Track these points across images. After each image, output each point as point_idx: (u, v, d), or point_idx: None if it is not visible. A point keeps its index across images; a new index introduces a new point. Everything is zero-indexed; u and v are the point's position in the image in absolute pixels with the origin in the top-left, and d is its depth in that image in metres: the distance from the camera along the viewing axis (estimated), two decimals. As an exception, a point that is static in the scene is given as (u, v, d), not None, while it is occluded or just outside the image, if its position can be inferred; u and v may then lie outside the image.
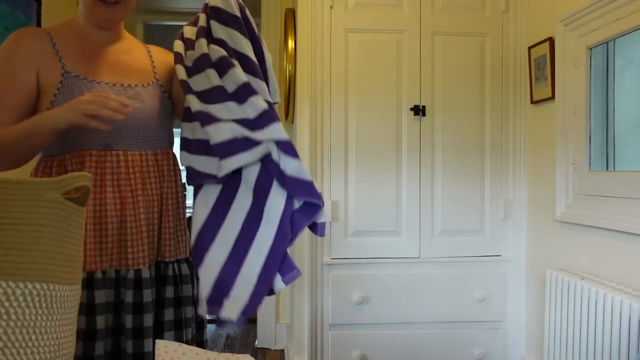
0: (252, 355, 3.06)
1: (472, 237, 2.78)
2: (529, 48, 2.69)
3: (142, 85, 1.46)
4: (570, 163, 2.39)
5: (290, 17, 2.99)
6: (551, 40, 2.50)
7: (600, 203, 2.20)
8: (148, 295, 1.36)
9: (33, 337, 0.98)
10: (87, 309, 1.29)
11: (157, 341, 1.27)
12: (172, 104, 1.55)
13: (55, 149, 1.35)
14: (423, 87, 2.74)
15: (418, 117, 2.73)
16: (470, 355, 2.76)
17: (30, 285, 0.98)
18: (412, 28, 2.74)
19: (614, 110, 2.28)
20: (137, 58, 1.50)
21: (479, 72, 2.78)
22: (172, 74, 1.52)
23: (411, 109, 2.72)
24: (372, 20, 2.72)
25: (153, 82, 1.48)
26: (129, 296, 1.35)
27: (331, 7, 2.69)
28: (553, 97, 2.51)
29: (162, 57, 1.56)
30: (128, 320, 1.34)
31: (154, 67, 1.52)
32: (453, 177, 2.76)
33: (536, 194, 2.72)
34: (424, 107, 2.74)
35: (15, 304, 0.96)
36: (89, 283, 1.31)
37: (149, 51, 1.56)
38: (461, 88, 2.77)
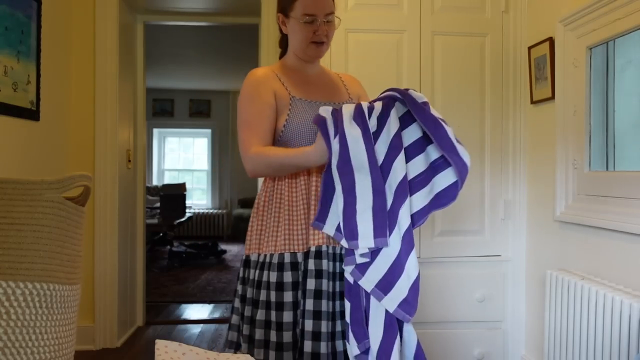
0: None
1: (472, 237, 2.78)
2: (529, 48, 2.69)
3: (345, 102, 1.77)
4: (570, 163, 2.39)
5: (290, 17, 2.99)
6: (551, 40, 2.50)
7: (600, 203, 2.20)
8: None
9: (33, 337, 0.98)
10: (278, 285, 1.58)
11: (157, 341, 1.27)
12: None
13: None
14: (423, 87, 2.74)
15: (418, 117, 2.73)
16: (470, 355, 2.76)
17: (30, 285, 0.98)
18: (412, 28, 2.73)
19: (614, 110, 2.28)
20: (334, 81, 1.85)
21: (479, 72, 2.78)
22: (357, 94, 1.87)
23: (411, 109, 2.72)
24: (372, 20, 2.72)
25: (349, 99, 1.82)
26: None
27: (331, 7, 2.69)
28: (553, 97, 2.51)
29: (348, 79, 1.91)
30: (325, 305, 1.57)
31: (346, 87, 1.86)
32: (453, 177, 2.76)
33: (536, 194, 2.72)
34: (424, 107, 2.73)
35: (15, 304, 0.96)
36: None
37: (341, 77, 1.90)
38: (461, 88, 2.77)
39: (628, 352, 1.80)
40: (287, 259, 1.58)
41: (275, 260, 1.58)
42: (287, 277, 1.56)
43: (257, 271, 1.60)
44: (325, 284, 1.56)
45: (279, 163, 1.59)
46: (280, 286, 1.56)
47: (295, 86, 1.71)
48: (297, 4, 1.67)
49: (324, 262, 1.57)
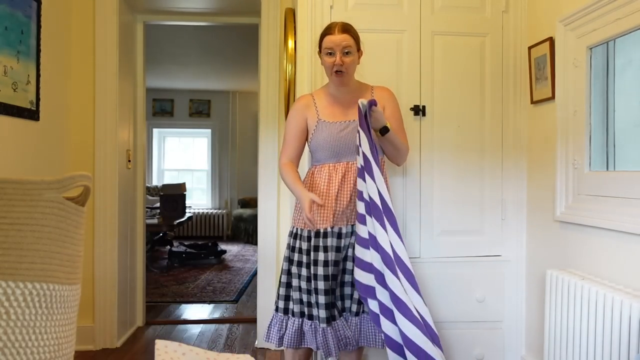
0: (252, 355, 3.06)
1: (472, 237, 2.78)
2: (529, 48, 2.69)
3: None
4: (570, 163, 2.39)
5: (290, 17, 2.99)
6: (551, 40, 2.50)
7: (600, 203, 2.20)
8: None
9: (33, 337, 0.98)
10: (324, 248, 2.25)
11: (157, 341, 1.27)
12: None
13: (316, 162, 2.35)
14: (423, 87, 2.74)
15: (418, 117, 2.73)
16: (470, 355, 2.76)
17: (30, 285, 0.98)
18: (412, 28, 2.73)
19: (614, 110, 2.28)
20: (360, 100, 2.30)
21: (479, 72, 2.78)
22: (383, 106, 2.33)
23: (411, 109, 2.72)
24: (372, 20, 2.71)
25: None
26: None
27: (331, 7, 2.69)
28: (553, 97, 2.51)
29: (380, 93, 2.38)
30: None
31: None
32: (453, 177, 2.76)
33: (536, 194, 2.72)
34: (424, 107, 2.73)
35: (15, 304, 0.96)
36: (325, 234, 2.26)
37: (372, 90, 2.39)
38: (461, 88, 2.77)
39: (628, 352, 1.80)
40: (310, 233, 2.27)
41: (304, 233, 2.27)
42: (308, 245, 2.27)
43: (291, 239, 2.32)
44: (330, 256, 2.24)
45: (286, 182, 2.28)
46: (308, 251, 2.26)
47: (325, 108, 2.31)
48: (323, 42, 2.25)
49: (329, 239, 2.24)
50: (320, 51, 2.29)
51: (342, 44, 2.20)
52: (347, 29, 2.24)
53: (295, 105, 2.35)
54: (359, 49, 2.29)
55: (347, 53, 2.21)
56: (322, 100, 2.33)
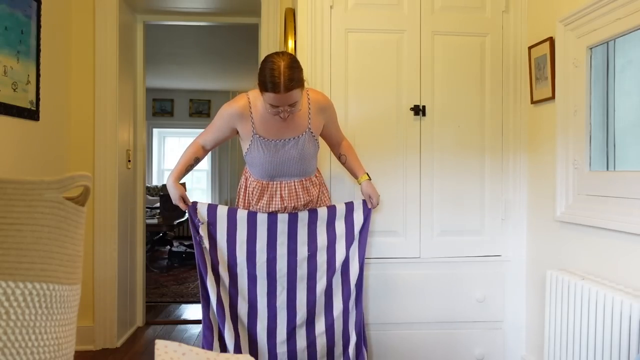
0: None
1: (472, 237, 2.78)
2: (529, 48, 2.69)
3: (294, 137, 2.19)
4: (571, 163, 2.39)
5: (290, 17, 2.99)
6: (551, 40, 2.50)
7: (600, 203, 2.19)
8: None
9: (33, 337, 0.97)
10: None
11: (157, 341, 1.27)
12: (325, 138, 2.37)
13: (255, 177, 2.29)
14: (423, 87, 2.74)
15: (418, 117, 2.73)
16: (470, 355, 2.76)
17: (30, 285, 0.98)
18: (412, 28, 2.73)
19: (614, 110, 2.28)
20: (299, 119, 2.18)
21: (479, 72, 2.78)
22: (318, 125, 2.23)
23: (411, 109, 2.72)
24: (372, 20, 2.72)
25: (305, 132, 2.20)
26: None
27: (331, 7, 2.69)
28: (553, 97, 2.51)
29: (315, 109, 2.20)
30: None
31: (310, 116, 2.20)
32: (453, 177, 2.76)
33: (536, 194, 2.72)
34: (424, 107, 2.73)
35: (15, 304, 0.96)
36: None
37: (308, 94, 2.20)
38: (461, 88, 2.77)
39: (628, 352, 1.80)
40: None
41: None
42: None
43: None
44: None
45: (180, 158, 2.26)
46: None
47: (261, 124, 2.17)
48: (265, 96, 2.01)
49: None
50: (260, 90, 2.03)
51: (288, 102, 2.00)
52: (292, 84, 1.97)
53: (231, 110, 2.18)
54: (303, 86, 2.09)
55: (293, 104, 2.03)
56: (258, 113, 2.16)
